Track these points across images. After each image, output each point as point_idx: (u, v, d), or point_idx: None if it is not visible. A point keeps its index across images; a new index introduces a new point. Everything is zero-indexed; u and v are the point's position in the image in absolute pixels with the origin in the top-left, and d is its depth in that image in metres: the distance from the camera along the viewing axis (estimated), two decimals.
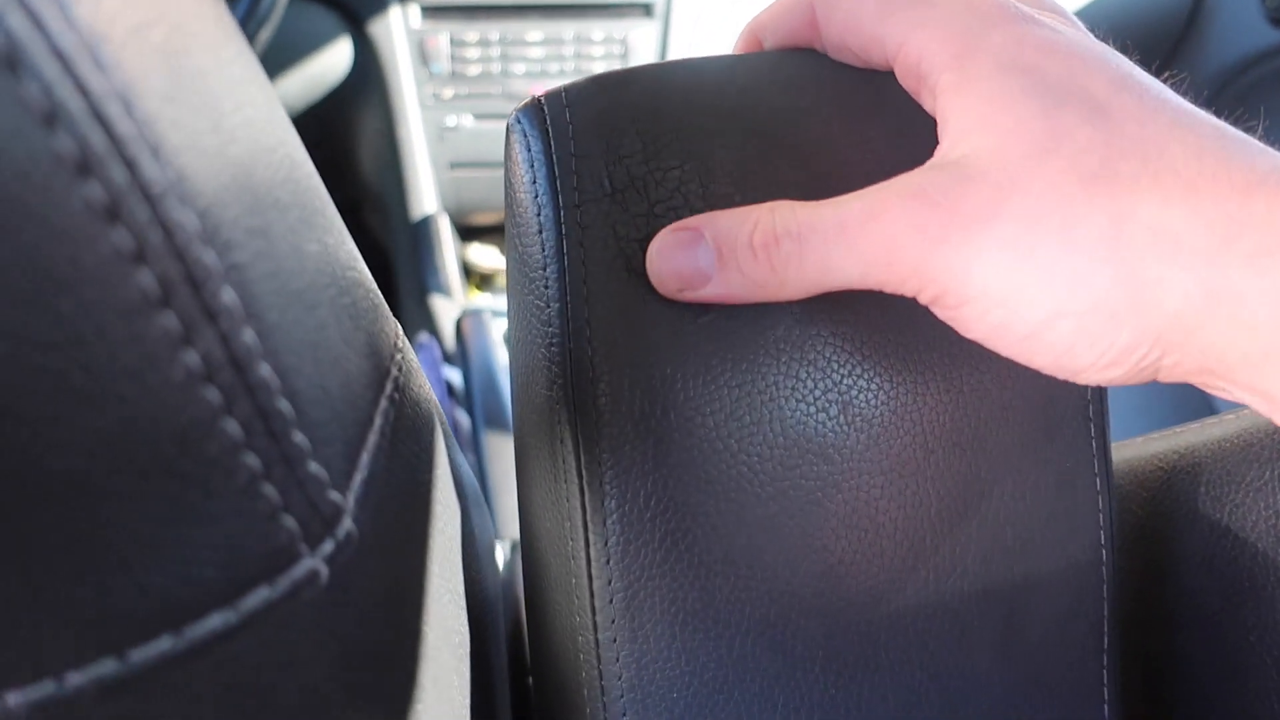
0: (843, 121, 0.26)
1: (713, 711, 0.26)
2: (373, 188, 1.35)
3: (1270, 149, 0.22)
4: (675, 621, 0.26)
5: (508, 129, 0.28)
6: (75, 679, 0.14)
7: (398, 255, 1.30)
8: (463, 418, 0.92)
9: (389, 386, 0.21)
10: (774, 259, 0.24)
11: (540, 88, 1.22)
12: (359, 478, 0.18)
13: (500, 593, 0.48)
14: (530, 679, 0.45)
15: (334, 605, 0.17)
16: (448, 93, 1.20)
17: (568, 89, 0.27)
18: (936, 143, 0.24)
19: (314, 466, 0.16)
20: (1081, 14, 1.33)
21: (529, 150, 0.26)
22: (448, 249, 1.28)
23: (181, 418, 0.14)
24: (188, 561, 0.14)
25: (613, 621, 0.26)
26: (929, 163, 0.23)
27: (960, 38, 0.23)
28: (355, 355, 0.19)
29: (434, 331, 1.18)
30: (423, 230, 1.27)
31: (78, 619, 0.14)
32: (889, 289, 0.23)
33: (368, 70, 1.21)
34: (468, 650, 0.28)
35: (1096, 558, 0.28)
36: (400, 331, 0.25)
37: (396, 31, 1.17)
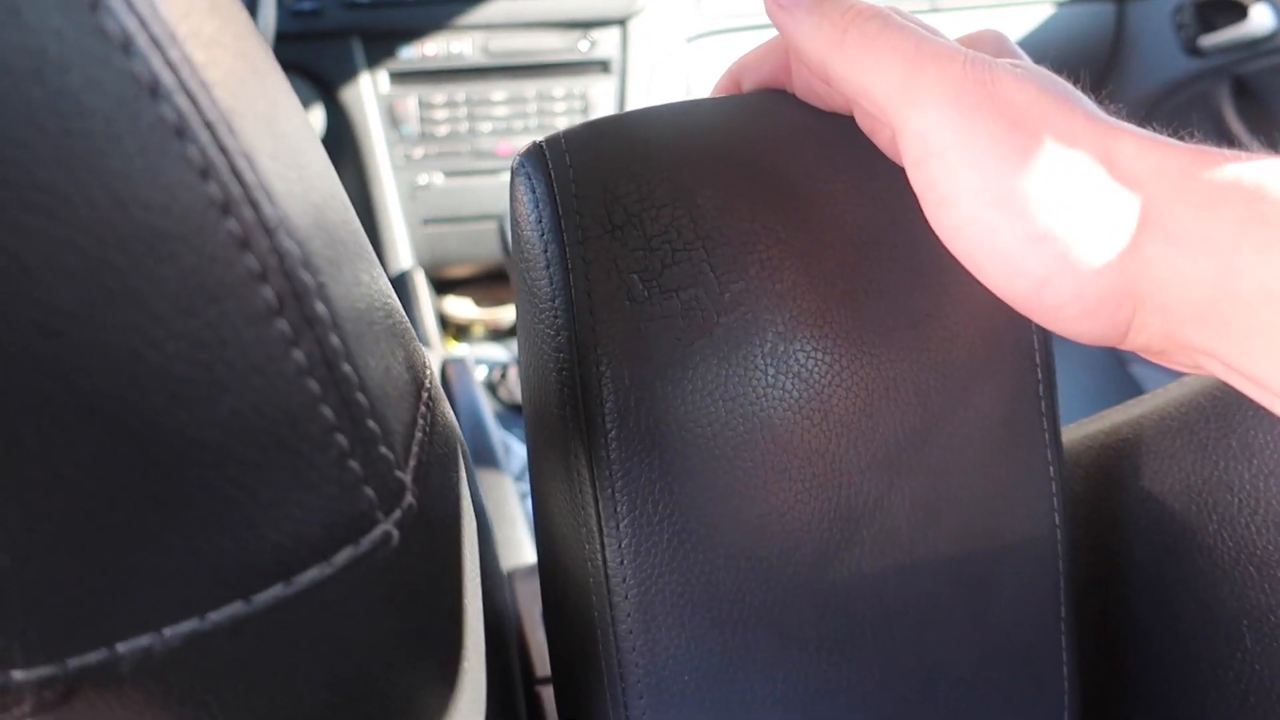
0: (815, 154, 0.29)
1: (719, 691, 0.29)
2: None
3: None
4: (684, 613, 0.29)
5: (513, 172, 0.30)
6: (214, 617, 0.17)
7: None
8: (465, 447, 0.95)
9: (424, 395, 0.25)
10: (851, 26, 0.25)
11: (506, 145, 1.27)
12: (412, 464, 0.22)
13: (510, 610, 0.51)
14: (538, 686, 0.48)
15: (399, 567, 0.21)
16: (418, 153, 1.25)
17: (566, 135, 0.30)
18: (902, 170, 0.27)
19: (383, 449, 0.20)
20: None
21: (534, 192, 0.29)
22: (425, 302, 1.31)
23: (292, 402, 0.17)
24: (296, 521, 0.18)
25: (628, 615, 0.29)
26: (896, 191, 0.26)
27: (907, 78, 0.25)
28: (399, 367, 0.23)
29: None
30: (400, 285, 1.31)
31: (217, 567, 0.17)
32: (893, 127, 0.25)
33: (341, 134, 1.26)
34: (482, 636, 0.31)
35: (1051, 533, 0.31)
36: (426, 353, 0.28)
37: (367, 97, 1.22)
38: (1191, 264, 0.22)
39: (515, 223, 0.30)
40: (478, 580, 0.30)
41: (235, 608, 0.18)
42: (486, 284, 1.43)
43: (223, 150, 0.16)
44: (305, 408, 0.18)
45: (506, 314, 1.43)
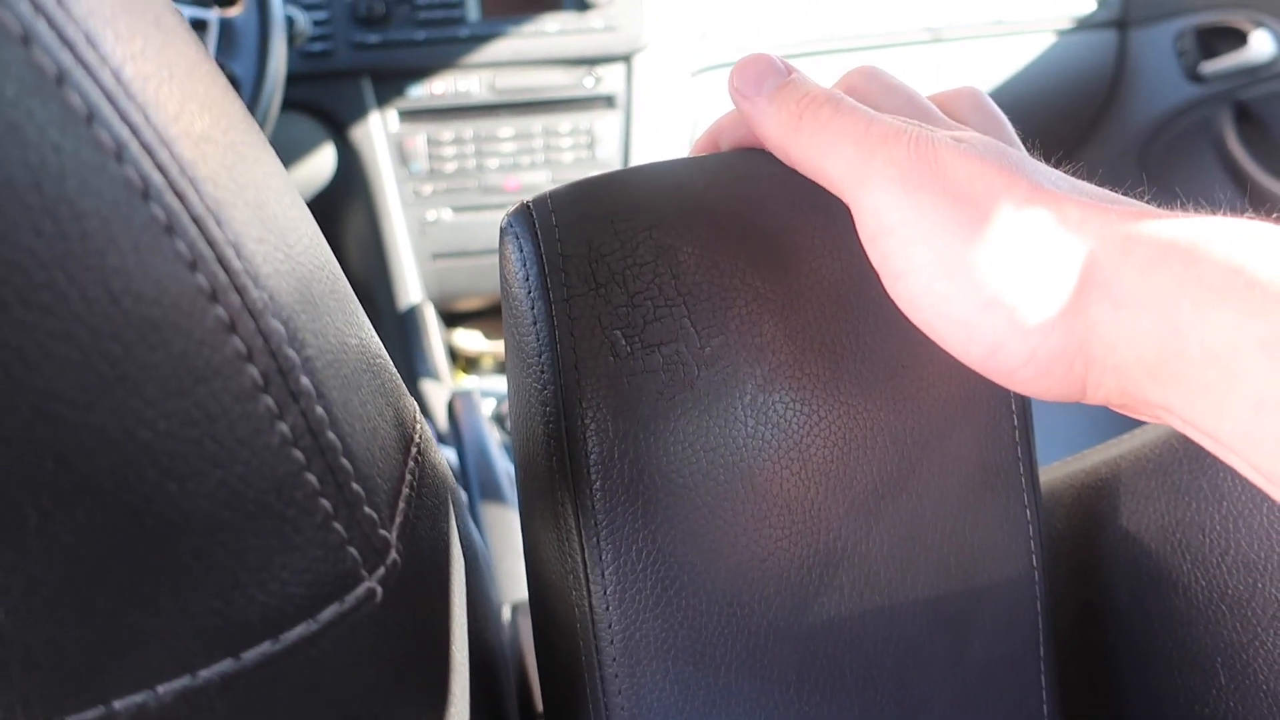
0: (792, 211, 0.30)
1: None
2: (361, 281, 1.41)
3: (1148, 207, 0.26)
4: (668, 657, 0.30)
5: (501, 231, 0.31)
6: (205, 674, 0.18)
7: (387, 344, 1.36)
8: (459, 493, 0.96)
9: (414, 450, 0.26)
10: (806, 112, 0.27)
11: (514, 180, 1.29)
12: (398, 521, 0.23)
13: (506, 646, 0.52)
14: None
15: (384, 620, 0.22)
16: (427, 189, 1.27)
17: (552, 194, 0.31)
18: None
19: (367, 510, 0.21)
20: (1011, 81, 1.41)
21: (521, 251, 0.30)
22: (434, 335, 1.33)
23: (278, 472, 0.18)
24: (283, 582, 0.19)
25: (614, 659, 0.30)
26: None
27: (858, 160, 0.26)
28: (387, 426, 0.24)
29: (426, 413, 1.23)
30: (410, 319, 1.33)
31: (207, 627, 0.18)
32: (853, 208, 0.27)
33: (351, 172, 1.28)
34: (466, 682, 0.32)
35: (1029, 574, 0.32)
36: (418, 408, 0.30)
37: (376, 135, 1.24)
38: (1137, 324, 0.23)
39: (504, 280, 0.31)
40: (464, 623, 0.31)
41: (225, 665, 0.19)
42: (495, 317, 1.45)
43: (210, 242, 0.17)
44: (290, 476, 0.19)
45: None
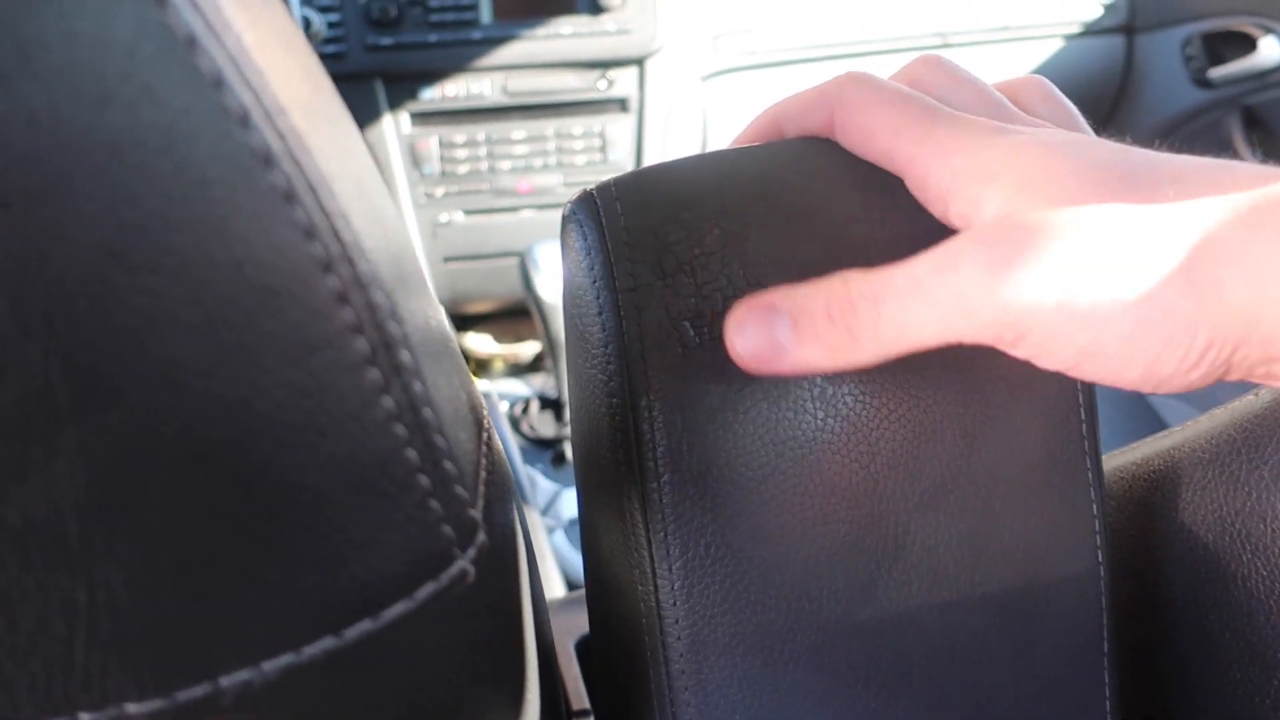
0: (864, 203, 0.29)
1: None
2: None
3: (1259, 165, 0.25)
4: (735, 653, 0.29)
5: (564, 219, 0.31)
6: (309, 651, 0.18)
7: None
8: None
9: (485, 434, 0.26)
10: (851, 324, 0.25)
11: (526, 182, 1.29)
12: (481, 503, 0.23)
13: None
14: (575, 718, 0.49)
15: (472, 602, 0.22)
16: (439, 191, 1.27)
17: (616, 182, 0.30)
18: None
19: (459, 488, 0.21)
20: None
21: (585, 239, 0.29)
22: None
23: (382, 446, 0.18)
24: (384, 559, 0.19)
25: (680, 655, 0.29)
26: (979, 226, 0.25)
27: (960, 154, 0.26)
28: (464, 407, 0.24)
29: None
30: None
31: (311, 602, 0.18)
32: (969, 338, 0.24)
33: None
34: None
35: (1094, 568, 0.31)
36: (483, 405, 0.29)
37: (389, 137, 1.24)
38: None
39: (567, 269, 0.31)
40: (532, 613, 0.31)
41: (327, 642, 0.18)
42: (507, 320, 1.45)
43: (325, 212, 0.17)
44: (393, 451, 0.19)
45: (526, 349, 1.44)
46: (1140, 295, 0.23)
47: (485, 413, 0.28)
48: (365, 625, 0.19)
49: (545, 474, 1.17)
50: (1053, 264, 0.23)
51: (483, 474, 0.24)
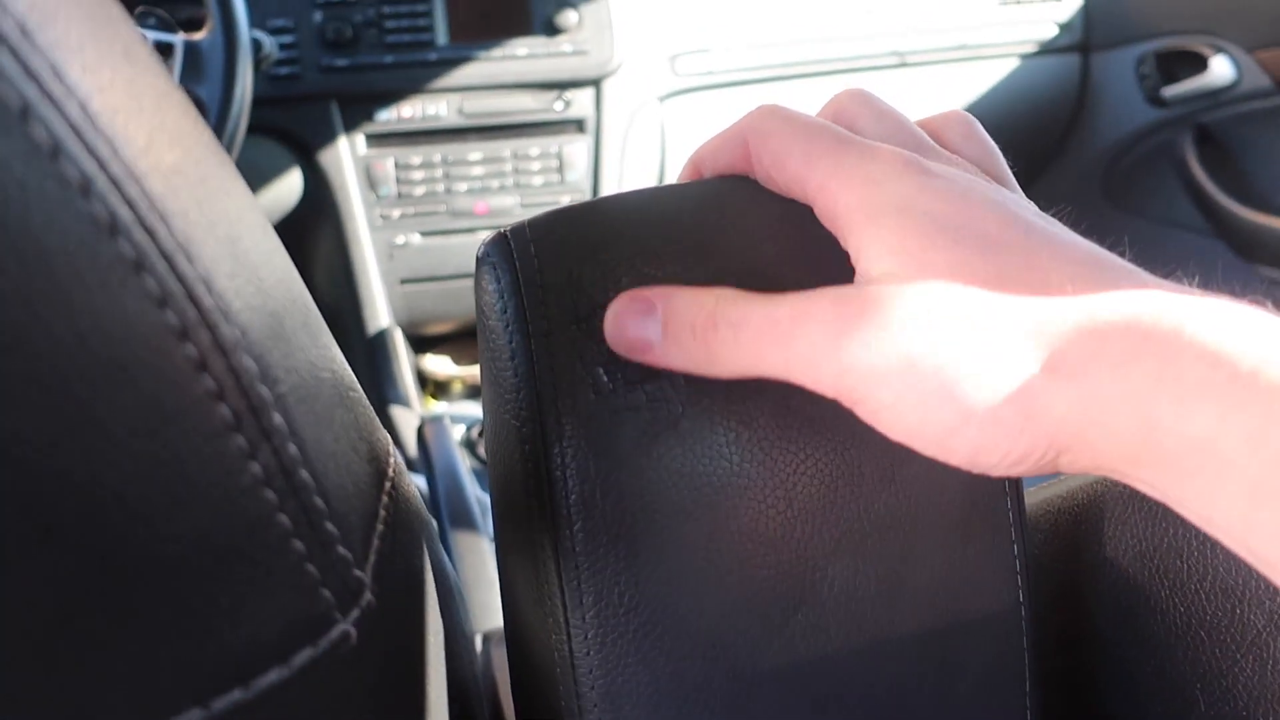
0: (777, 242, 0.29)
1: None
2: (329, 306, 1.39)
3: (1137, 270, 0.25)
4: (651, 704, 0.28)
5: (478, 260, 0.30)
6: None
7: (355, 369, 1.34)
8: (431, 523, 0.95)
9: (387, 485, 0.26)
10: (710, 342, 0.26)
11: (483, 204, 1.29)
12: (372, 560, 0.22)
13: (479, 677, 0.51)
14: None
15: (358, 662, 0.21)
16: (395, 213, 1.26)
17: (531, 223, 0.30)
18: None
19: (341, 550, 0.20)
20: (976, 105, 1.43)
21: (499, 282, 0.29)
22: (403, 360, 1.32)
23: (250, 513, 0.18)
24: (255, 625, 0.19)
25: (595, 705, 0.28)
26: (851, 283, 0.26)
27: (867, 185, 0.26)
28: (360, 461, 0.24)
29: (396, 440, 1.21)
30: (378, 344, 1.31)
31: (175, 673, 0.18)
32: (812, 388, 0.26)
33: (319, 196, 1.27)
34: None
35: (1015, 609, 0.31)
36: (390, 439, 0.29)
37: (344, 159, 1.24)
38: (1114, 420, 0.22)
39: (480, 312, 0.30)
40: (441, 658, 0.30)
41: (193, 714, 0.18)
42: (465, 341, 1.44)
43: (180, 279, 0.16)
44: (262, 518, 0.18)
45: None
46: (968, 398, 0.24)
47: (392, 463, 0.27)
48: (235, 695, 0.18)
49: None
50: (891, 345, 0.24)
51: (379, 527, 0.24)
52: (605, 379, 0.28)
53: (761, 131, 0.29)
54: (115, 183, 0.15)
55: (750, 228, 0.30)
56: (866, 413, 0.25)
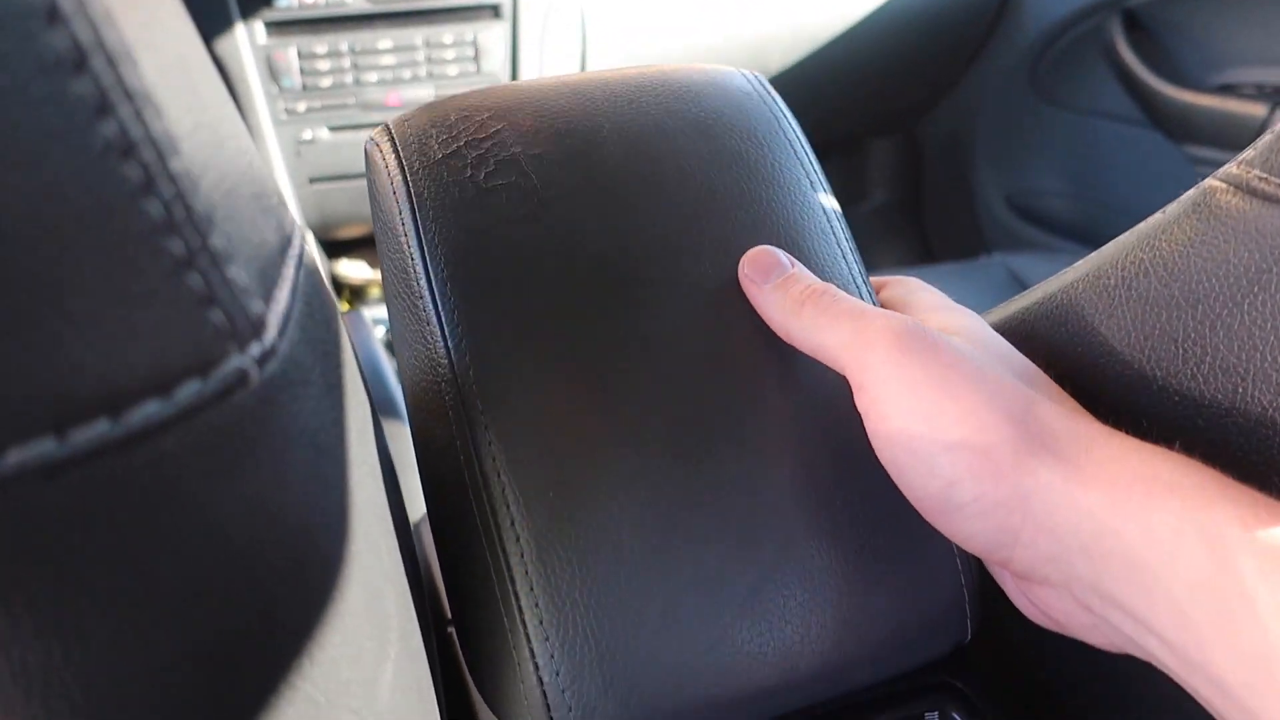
0: (636, 146, 0.33)
1: (617, 622, 0.29)
2: None
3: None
4: (584, 565, 0.29)
5: (366, 152, 0.34)
6: (15, 455, 0.14)
7: None
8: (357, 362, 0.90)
9: (293, 248, 0.22)
10: (796, 310, 0.30)
11: (395, 95, 1.21)
12: (278, 308, 0.18)
13: (421, 553, 0.47)
14: (448, 628, 0.45)
15: (263, 426, 0.18)
16: (301, 106, 1.18)
17: (408, 112, 0.34)
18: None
19: (235, 270, 0.16)
20: (897, 2, 1.39)
21: (386, 166, 0.33)
22: (316, 265, 1.25)
23: (104, 190, 0.14)
24: (121, 341, 0.14)
25: (525, 572, 0.29)
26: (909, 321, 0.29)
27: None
28: (261, 215, 0.20)
29: None
30: None
31: (13, 394, 0.14)
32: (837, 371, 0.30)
33: None
34: (401, 570, 0.28)
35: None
36: (298, 223, 0.25)
37: (243, 49, 1.15)
38: (1084, 494, 0.25)
39: (374, 198, 0.35)
40: (372, 452, 0.26)
41: (46, 445, 0.14)
42: None
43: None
44: (121, 198, 0.14)
45: None
46: (975, 421, 0.27)
47: (298, 241, 0.23)
48: (100, 427, 0.14)
49: None
50: (940, 367, 0.28)
51: (287, 275, 0.20)
52: (489, 247, 0.31)
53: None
54: None
55: (624, 126, 0.33)
56: (877, 415, 0.28)
